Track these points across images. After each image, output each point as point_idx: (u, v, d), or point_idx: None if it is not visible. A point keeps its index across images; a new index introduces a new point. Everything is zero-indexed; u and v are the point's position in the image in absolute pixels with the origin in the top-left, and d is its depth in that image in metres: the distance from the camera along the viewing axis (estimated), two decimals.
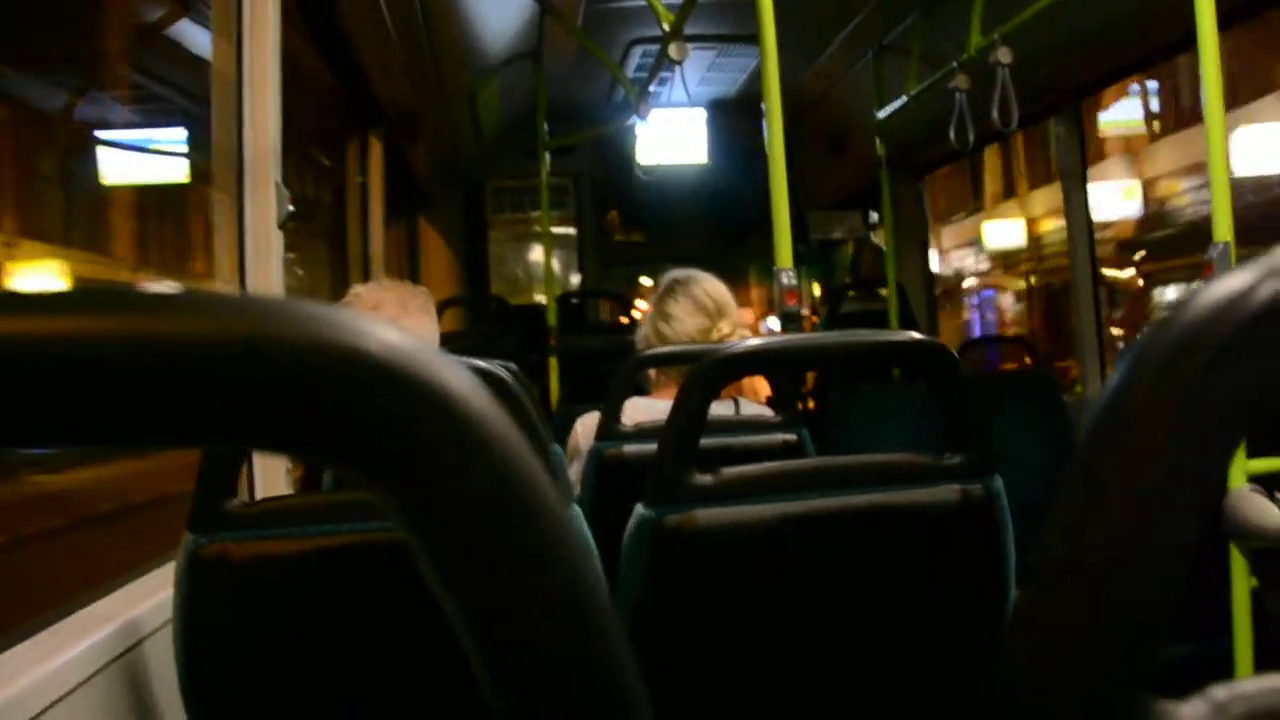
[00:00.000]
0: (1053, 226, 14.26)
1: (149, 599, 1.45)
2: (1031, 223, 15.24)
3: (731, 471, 1.34)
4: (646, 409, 2.24)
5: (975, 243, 16.69)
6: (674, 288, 2.43)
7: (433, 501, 0.29)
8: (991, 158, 15.32)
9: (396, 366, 0.28)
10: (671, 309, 2.39)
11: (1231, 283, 0.31)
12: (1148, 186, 13.23)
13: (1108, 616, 0.32)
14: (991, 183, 16.21)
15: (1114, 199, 12.90)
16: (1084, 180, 4.49)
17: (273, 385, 0.27)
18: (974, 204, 16.61)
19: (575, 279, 6.99)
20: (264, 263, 2.08)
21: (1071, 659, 0.32)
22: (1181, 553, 0.32)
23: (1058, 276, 13.86)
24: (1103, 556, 0.32)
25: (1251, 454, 2.20)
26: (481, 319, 6.40)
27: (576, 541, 0.31)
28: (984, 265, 16.97)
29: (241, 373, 0.27)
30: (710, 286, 2.43)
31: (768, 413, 2.45)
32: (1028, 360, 5.23)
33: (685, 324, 2.37)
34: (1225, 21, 2.57)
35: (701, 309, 2.39)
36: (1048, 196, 13.99)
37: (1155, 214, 13.19)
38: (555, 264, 5.53)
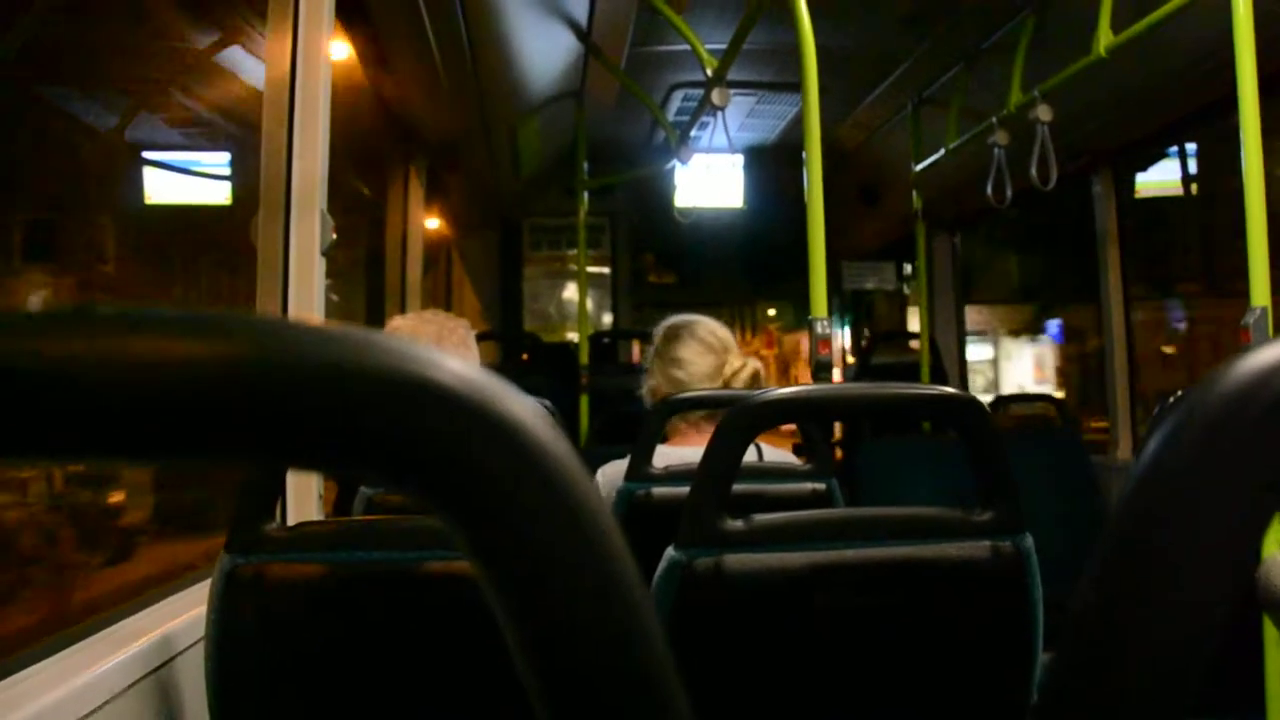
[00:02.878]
0: None
1: (183, 616, 1.47)
2: None
3: (763, 518, 1.34)
4: (664, 456, 2.25)
5: None
6: (679, 333, 2.48)
7: (502, 532, 0.30)
8: None
9: (468, 397, 0.29)
10: (681, 353, 2.44)
11: (1273, 351, 0.32)
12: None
13: (1140, 677, 0.32)
14: None
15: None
16: (1121, 242, 4.49)
17: (348, 412, 0.28)
18: None
19: (607, 318, 7.03)
20: (307, 289, 2.11)
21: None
22: (1215, 616, 0.32)
23: None
24: (1137, 616, 0.32)
25: None
26: (514, 355, 6.43)
27: (635, 575, 0.32)
28: None
29: (318, 398, 0.28)
30: (713, 326, 2.50)
31: (792, 459, 2.45)
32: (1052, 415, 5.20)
33: (698, 365, 2.43)
34: (1268, 86, 2.57)
35: (710, 349, 2.44)
36: None
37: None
38: (588, 303, 5.56)
